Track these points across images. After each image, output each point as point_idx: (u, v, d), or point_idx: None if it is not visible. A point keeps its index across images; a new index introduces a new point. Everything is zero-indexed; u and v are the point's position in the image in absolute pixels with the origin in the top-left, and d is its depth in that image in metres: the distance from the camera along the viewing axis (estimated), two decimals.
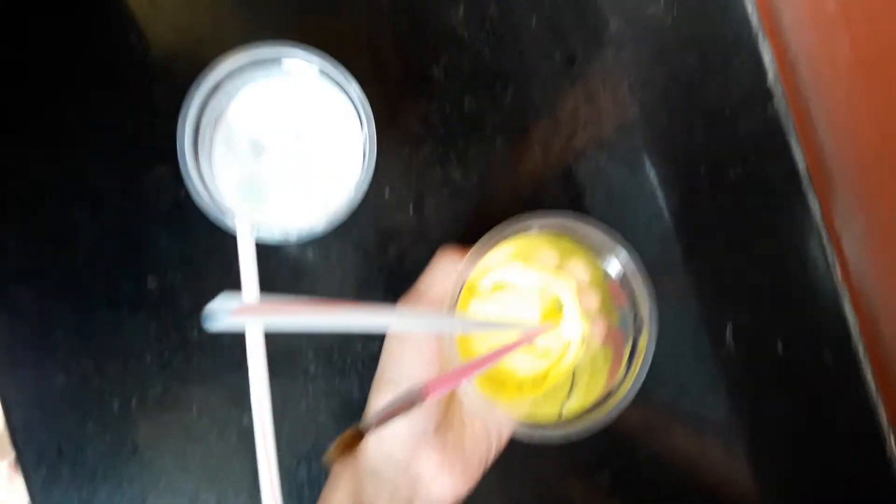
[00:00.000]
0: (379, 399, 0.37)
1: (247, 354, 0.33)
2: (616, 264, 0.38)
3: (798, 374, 0.49)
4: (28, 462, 0.44)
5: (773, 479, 0.49)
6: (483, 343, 0.41)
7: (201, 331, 0.45)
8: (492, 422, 0.39)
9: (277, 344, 0.45)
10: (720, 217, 0.49)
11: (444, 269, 0.38)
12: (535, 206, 0.47)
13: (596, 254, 0.39)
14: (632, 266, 0.37)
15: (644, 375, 0.37)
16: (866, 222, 0.47)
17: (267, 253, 0.45)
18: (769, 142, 0.49)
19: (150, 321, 0.45)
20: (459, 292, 0.35)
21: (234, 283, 0.45)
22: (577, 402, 0.39)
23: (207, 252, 0.45)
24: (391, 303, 0.46)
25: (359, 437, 0.24)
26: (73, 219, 0.44)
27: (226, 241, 0.45)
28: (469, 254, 0.35)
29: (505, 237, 0.36)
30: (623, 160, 0.48)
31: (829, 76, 0.45)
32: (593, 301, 0.40)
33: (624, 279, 0.38)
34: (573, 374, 0.42)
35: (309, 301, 0.22)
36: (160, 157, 0.44)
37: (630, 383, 0.36)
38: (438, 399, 0.36)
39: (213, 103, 0.37)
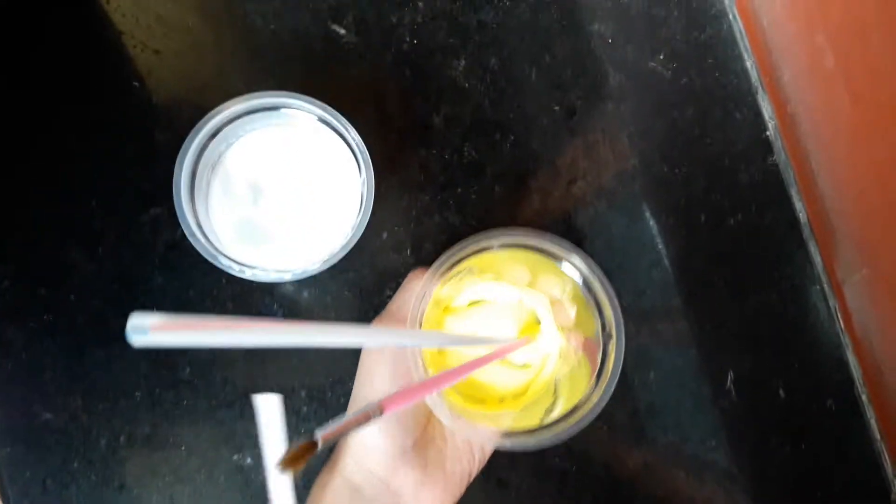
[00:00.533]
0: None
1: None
2: (576, 272, 0.38)
3: (800, 421, 0.48)
4: (12, 498, 0.43)
5: None
6: (458, 359, 0.41)
7: (192, 368, 0.45)
8: (473, 437, 0.38)
9: (268, 383, 0.45)
10: (720, 265, 0.48)
11: (415, 290, 0.38)
12: None
13: (559, 264, 0.39)
14: (593, 273, 0.37)
15: (615, 382, 0.36)
16: (869, 273, 0.46)
17: (262, 291, 0.45)
18: (769, 192, 0.49)
19: (141, 360, 0.44)
20: (422, 307, 0.35)
21: None
22: (559, 414, 0.38)
23: (201, 293, 0.45)
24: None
25: (310, 448, 0.24)
26: (69, 258, 0.44)
27: (219, 283, 0.45)
28: (429, 270, 0.36)
29: (465, 254, 0.36)
30: (622, 209, 0.48)
31: (829, 130, 0.45)
32: (568, 315, 0.40)
33: (586, 286, 0.38)
34: (555, 387, 0.41)
35: (232, 320, 0.22)
36: (158, 200, 0.44)
37: (600, 391, 0.36)
38: (413, 415, 0.36)
39: (212, 148, 0.37)
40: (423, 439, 0.36)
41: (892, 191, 0.41)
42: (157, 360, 0.45)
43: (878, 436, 0.48)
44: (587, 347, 0.40)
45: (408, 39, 0.47)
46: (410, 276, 0.41)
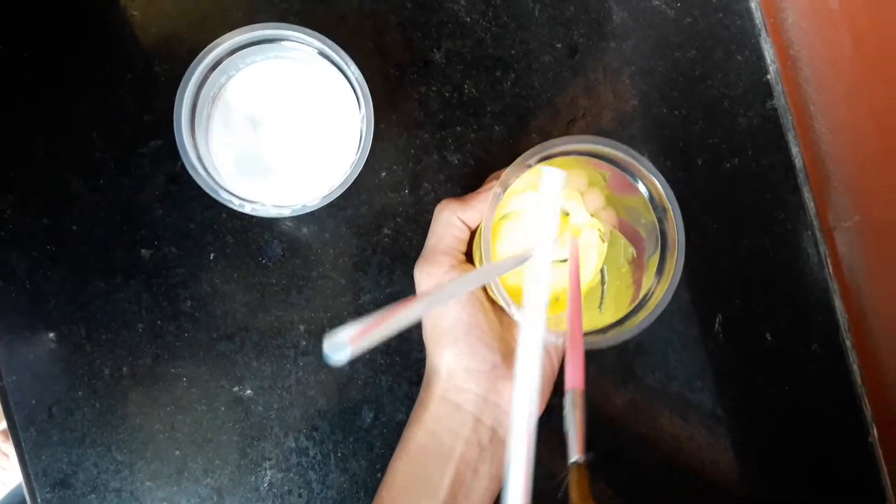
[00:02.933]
0: (446, 351, 0.38)
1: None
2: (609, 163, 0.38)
3: (785, 364, 0.50)
4: (18, 424, 0.45)
5: (756, 465, 0.49)
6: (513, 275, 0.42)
7: (194, 301, 0.46)
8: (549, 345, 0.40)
9: (268, 318, 0.46)
10: (715, 209, 0.49)
11: (445, 222, 0.40)
12: None
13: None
14: (630, 157, 0.37)
15: (682, 257, 0.36)
16: (860, 220, 0.47)
17: (262, 225, 0.46)
18: (767, 137, 0.49)
19: (143, 291, 0.45)
20: (492, 215, 0.35)
21: (225, 255, 0.45)
22: (609, 302, 0.40)
23: (202, 226, 0.45)
24: (386, 277, 0.47)
25: (585, 470, 0.27)
26: (71, 189, 0.44)
27: (219, 216, 0.45)
28: (489, 204, 0.36)
29: (514, 177, 0.36)
30: None
31: (829, 73, 0.45)
32: (597, 199, 0.40)
33: (627, 172, 0.38)
34: (602, 277, 0.42)
35: (389, 310, 0.26)
36: (158, 133, 0.44)
37: (671, 269, 0.36)
38: (493, 332, 0.38)
39: (212, 81, 0.37)
40: (506, 353, 0.38)
41: (888, 136, 0.41)
42: (158, 292, 0.45)
43: (859, 380, 0.49)
44: (624, 228, 0.40)
45: None
46: (439, 207, 0.41)
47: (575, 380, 0.29)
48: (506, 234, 0.41)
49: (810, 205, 0.49)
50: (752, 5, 0.48)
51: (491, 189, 0.39)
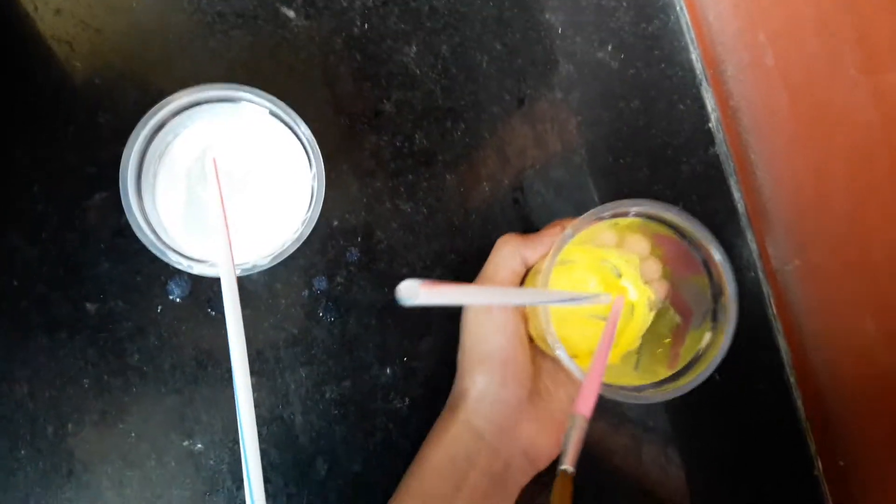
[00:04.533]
0: (479, 376, 0.40)
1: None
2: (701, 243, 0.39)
3: (733, 402, 0.51)
4: None
5: (706, 488, 0.50)
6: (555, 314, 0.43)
7: (141, 355, 0.45)
8: (574, 389, 0.42)
9: (219, 374, 0.45)
10: None
11: (506, 255, 0.41)
12: (484, 240, 0.48)
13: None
14: (694, 226, 0.38)
15: (731, 336, 0.38)
16: (800, 264, 0.49)
17: (210, 280, 0.45)
18: (710, 183, 0.51)
19: (88, 346, 0.44)
20: (557, 253, 0.37)
21: (173, 308, 0.45)
22: (645, 366, 0.41)
23: (149, 279, 0.44)
24: (339, 327, 0.46)
25: (570, 480, 0.30)
26: (11, 243, 0.43)
27: (167, 269, 0.44)
28: (555, 246, 0.37)
29: (604, 217, 0.38)
30: (570, 198, 0.49)
31: (768, 125, 0.47)
32: (655, 269, 0.42)
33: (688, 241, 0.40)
34: (641, 341, 0.43)
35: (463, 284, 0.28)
36: (103, 185, 0.44)
37: (720, 342, 0.38)
38: (526, 369, 0.40)
39: (159, 139, 0.37)
40: (534, 391, 0.40)
41: (825, 185, 0.43)
42: (104, 346, 0.44)
43: (803, 416, 0.51)
44: (675, 299, 0.42)
45: (358, 24, 0.47)
46: (501, 241, 0.43)
47: (584, 407, 0.32)
48: (557, 279, 0.42)
49: (753, 247, 0.51)
50: (693, 57, 0.49)
51: (551, 232, 0.42)
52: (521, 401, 0.40)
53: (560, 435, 0.41)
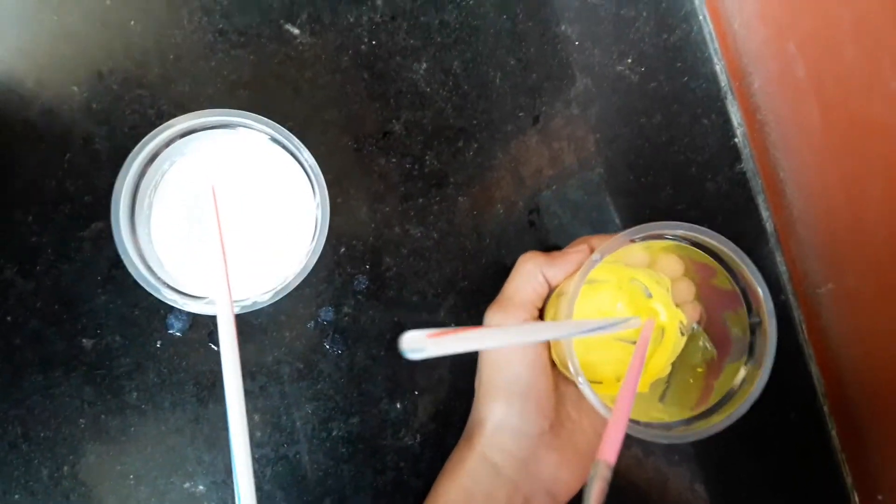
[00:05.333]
0: (497, 406, 0.38)
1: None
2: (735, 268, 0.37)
3: (763, 434, 0.48)
4: None
5: None
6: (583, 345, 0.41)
7: (140, 393, 0.42)
8: (598, 419, 0.40)
9: (221, 412, 0.43)
10: None
11: (528, 273, 0.39)
12: (498, 265, 0.46)
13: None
14: (734, 253, 0.35)
15: (770, 367, 0.35)
16: (835, 288, 0.46)
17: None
18: (736, 201, 0.48)
19: (85, 384, 0.42)
20: (583, 279, 0.35)
21: (173, 343, 0.43)
22: (673, 397, 0.39)
23: (147, 312, 0.42)
24: (347, 359, 0.44)
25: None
26: (4, 277, 0.41)
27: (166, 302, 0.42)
28: (581, 271, 0.35)
29: (636, 240, 0.35)
30: (588, 219, 0.47)
31: (798, 140, 0.44)
32: (687, 290, 0.39)
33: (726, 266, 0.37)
34: (672, 371, 0.41)
35: (468, 328, 0.26)
36: (99, 215, 0.41)
37: (757, 378, 0.35)
38: (548, 398, 0.38)
39: (155, 166, 0.34)
40: (556, 421, 0.38)
41: (861, 207, 0.40)
42: (101, 384, 0.42)
43: (838, 446, 0.48)
44: (714, 327, 0.39)
45: (366, 40, 0.44)
46: (523, 259, 0.40)
47: (607, 453, 0.29)
48: (582, 299, 0.40)
49: (783, 269, 0.48)
50: (718, 69, 0.47)
51: (577, 250, 0.39)
52: (542, 432, 0.37)
53: (584, 468, 0.38)
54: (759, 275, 0.35)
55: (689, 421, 0.37)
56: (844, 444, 0.48)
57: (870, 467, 0.47)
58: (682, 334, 0.40)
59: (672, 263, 0.39)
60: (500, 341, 0.32)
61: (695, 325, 0.40)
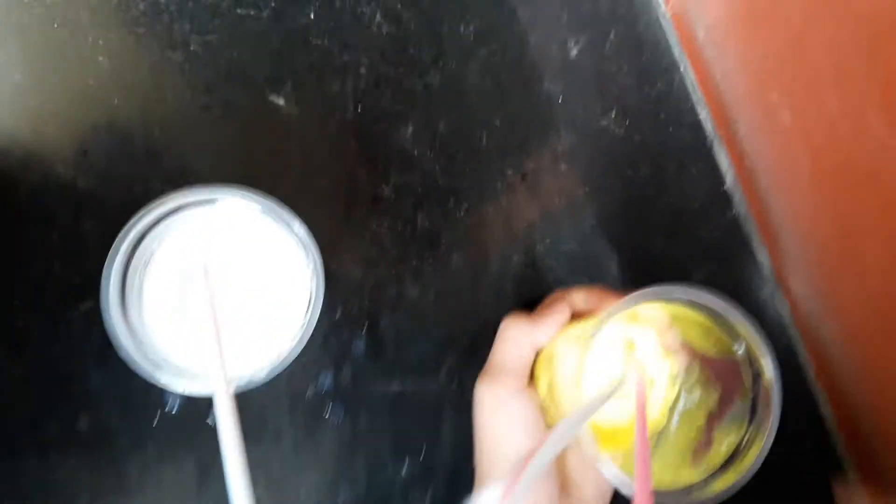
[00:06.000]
0: (497, 474, 0.37)
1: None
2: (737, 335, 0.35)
3: (777, 477, 0.47)
4: None
5: None
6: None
7: (141, 471, 0.42)
8: (602, 480, 0.39)
9: (224, 486, 0.42)
10: None
11: (514, 341, 0.39)
12: (496, 320, 0.45)
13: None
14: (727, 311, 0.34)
15: (775, 427, 0.33)
16: (839, 327, 0.46)
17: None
18: (731, 246, 0.48)
19: (82, 466, 0.41)
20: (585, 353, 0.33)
21: (171, 420, 0.42)
22: (670, 446, 0.38)
23: (144, 390, 0.41)
24: (350, 425, 0.43)
25: None
26: None
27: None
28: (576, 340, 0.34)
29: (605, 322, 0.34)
30: (584, 271, 0.47)
31: (789, 184, 0.44)
32: (674, 336, 0.38)
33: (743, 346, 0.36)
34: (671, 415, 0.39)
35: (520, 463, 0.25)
36: (89, 293, 0.41)
37: (763, 437, 0.34)
38: (557, 465, 0.38)
39: (145, 246, 0.34)
40: (563, 483, 0.38)
41: (857, 249, 0.40)
42: (98, 464, 0.41)
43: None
44: (714, 368, 0.38)
45: (351, 107, 0.45)
46: (506, 323, 0.40)
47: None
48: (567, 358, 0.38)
49: (785, 311, 0.48)
50: (703, 117, 0.47)
51: (558, 311, 0.38)
52: (552, 498, 0.37)
53: None
54: (751, 322, 0.34)
55: (705, 480, 0.36)
56: (864, 480, 0.47)
57: None
58: (673, 385, 0.39)
59: (653, 311, 0.38)
60: (554, 450, 0.31)
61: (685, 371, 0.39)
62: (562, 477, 0.38)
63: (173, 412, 0.42)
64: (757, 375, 0.35)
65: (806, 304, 0.47)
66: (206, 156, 0.43)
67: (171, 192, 0.34)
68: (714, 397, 0.39)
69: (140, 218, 0.33)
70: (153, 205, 0.34)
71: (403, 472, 0.44)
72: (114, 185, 0.43)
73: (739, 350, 0.36)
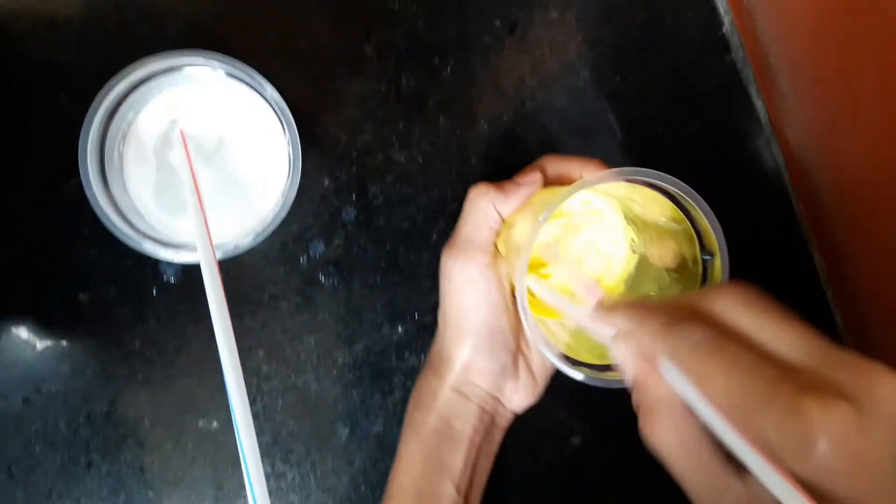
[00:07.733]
0: (465, 348, 0.39)
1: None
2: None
3: None
4: None
5: None
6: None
7: (141, 341, 0.43)
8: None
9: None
10: (680, 179, 0.46)
11: (482, 211, 0.38)
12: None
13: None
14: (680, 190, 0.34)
15: None
16: (833, 173, 0.45)
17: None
18: (728, 95, 0.46)
19: (87, 337, 0.43)
20: (537, 231, 0.33)
21: (168, 288, 0.43)
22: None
23: (139, 262, 0.42)
24: (344, 290, 0.44)
25: None
26: None
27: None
28: (541, 217, 0.32)
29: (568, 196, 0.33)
30: (576, 128, 0.45)
31: (789, 24, 0.42)
32: (652, 212, 0.37)
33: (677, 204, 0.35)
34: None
35: None
36: (74, 170, 0.41)
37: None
38: (509, 334, 0.39)
39: (120, 116, 0.34)
40: (515, 353, 0.40)
41: (857, 85, 0.39)
42: (103, 336, 0.43)
43: (842, 330, 0.48)
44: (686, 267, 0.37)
45: None
46: (474, 193, 0.39)
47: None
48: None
49: (780, 159, 0.47)
50: None
51: (529, 181, 0.38)
52: (504, 366, 0.39)
53: (535, 387, 0.41)
54: (709, 210, 0.33)
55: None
56: (847, 326, 0.48)
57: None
58: (634, 252, 0.39)
59: (618, 188, 0.38)
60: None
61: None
62: (517, 349, 0.40)
63: (171, 281, 0.43)
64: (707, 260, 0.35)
65: (800, 151, 0.46)
66: (179, 23, 0.42)
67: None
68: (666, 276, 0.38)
69: (109, 89, 0.33)
70: (120, 74, 0.33)
71: (399, 332, 0.45)
72: (88, 58, 0.41)
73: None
